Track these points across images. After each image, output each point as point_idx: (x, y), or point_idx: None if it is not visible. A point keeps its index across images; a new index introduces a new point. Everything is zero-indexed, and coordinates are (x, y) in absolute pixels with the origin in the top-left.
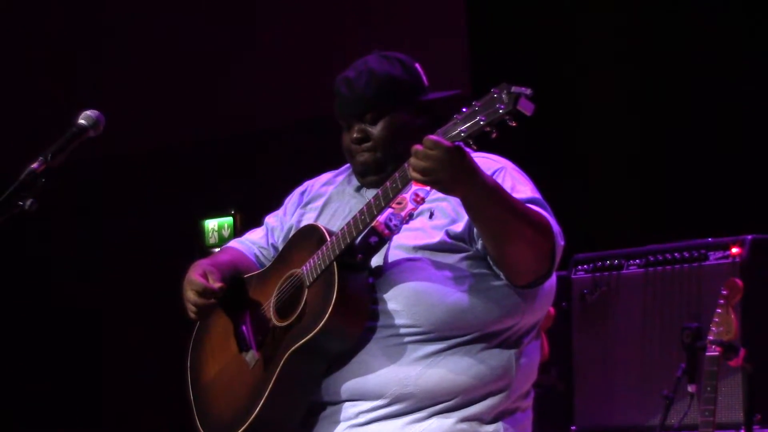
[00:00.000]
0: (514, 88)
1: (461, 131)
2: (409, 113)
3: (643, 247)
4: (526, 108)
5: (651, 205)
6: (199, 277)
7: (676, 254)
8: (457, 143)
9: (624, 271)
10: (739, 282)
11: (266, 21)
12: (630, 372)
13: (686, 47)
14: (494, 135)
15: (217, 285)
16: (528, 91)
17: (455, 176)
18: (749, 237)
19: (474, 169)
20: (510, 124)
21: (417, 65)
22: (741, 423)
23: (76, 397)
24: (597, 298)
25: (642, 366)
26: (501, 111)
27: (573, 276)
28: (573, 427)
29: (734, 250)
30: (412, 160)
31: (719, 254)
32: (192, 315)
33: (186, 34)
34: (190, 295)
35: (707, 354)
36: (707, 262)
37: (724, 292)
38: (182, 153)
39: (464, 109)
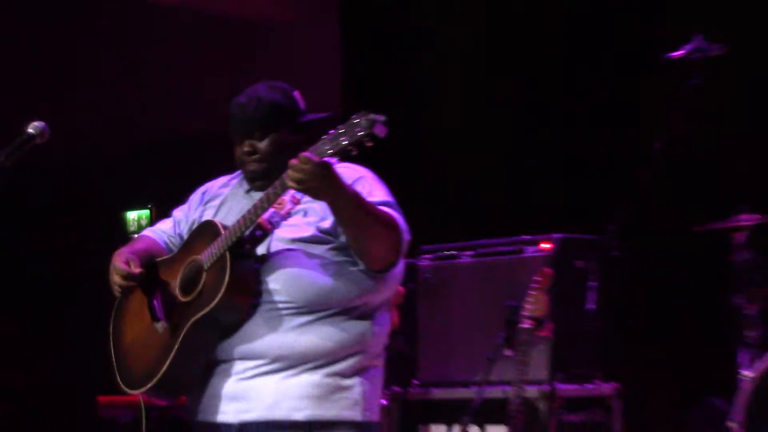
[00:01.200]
0: (371, 115)
1: (328, 149)
2: (289, 132)
3: (474, 242)
4: (381, 132)
5: (482, 206)
6: (122, 264)
7: (499, 248)
8: (324, 159)
9: (458, 261)
10: (549, 271)
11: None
12: (461, 339)
13: (509, 69)
14: (354, 152)
15: (137, 270)
16: (382, 118)
17: (322, 186)
18: (557, 235)
19: (337, 181)
20: (366, 144)
21: (296, 93)
22: (547, 379)
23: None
24: (437, 281)
25: (471, 335)
26: (359, 135)
27: (418, 263)
28: (415, 381)
29: (545, 245)
30: (289, 171)
31: (533, 249)
32: (117, 293)
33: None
34: (116, 279)
35: (522, 326)
36: (524, 255)
37: (537, 279)
38: (114, 156)
39: (331, 131)
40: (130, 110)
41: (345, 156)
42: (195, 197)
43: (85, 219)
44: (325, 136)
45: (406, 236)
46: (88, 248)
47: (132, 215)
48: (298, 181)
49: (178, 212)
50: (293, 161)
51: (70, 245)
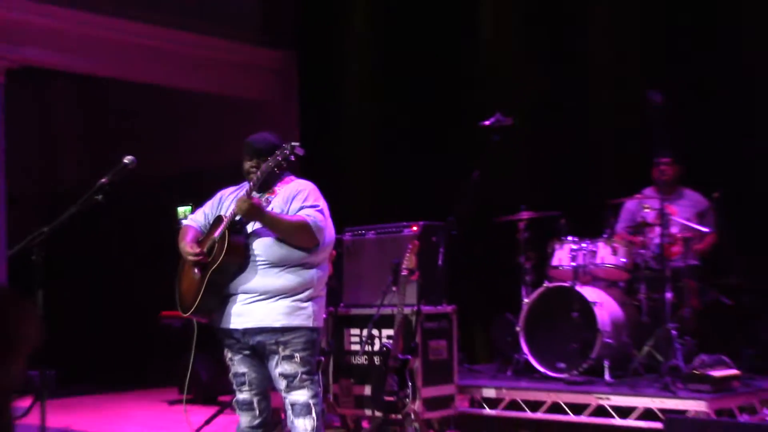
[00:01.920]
0: (293, 143)
1: (260, 174)
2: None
3: (375, 225)
4: (300, 152)
5: (380, 205)
6: (191, 248)
7: (390, 229)
8: (253, 198)
9: (366, 236)
10: (417, 242)
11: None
12: (367, 281)
13: (396, 121)
14: (284, 165)
15: (197, 250)
16: (298, 144)
17: (251, 214)
18: (421, 222)
19: (260, 210)
20: (290, 159)
21: (277, 136)
22: (416, 303)
23: None
24: (354, 248)
25: (373, 278)
26: (279, 159)
27: (343, 237)
28: (341, 304)
29: (414, 228)
30: (236, 203)
31: (408, 230)
32: (188, 261)
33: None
34: (189, 251)
35: (402, 274)
36: (403, 233)
37: (410, 246)
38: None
39: (263, 166)
40: (175, 154)
41: (281, 167)
42: (215, 198)
43: (157, 210)
44: (259, 172)
45: (322, 227)
46: (160, 227)
47: (181, 209)
48: (240, 212)
49: (206, 208)
50: (238, 200)
51: (151, 224)
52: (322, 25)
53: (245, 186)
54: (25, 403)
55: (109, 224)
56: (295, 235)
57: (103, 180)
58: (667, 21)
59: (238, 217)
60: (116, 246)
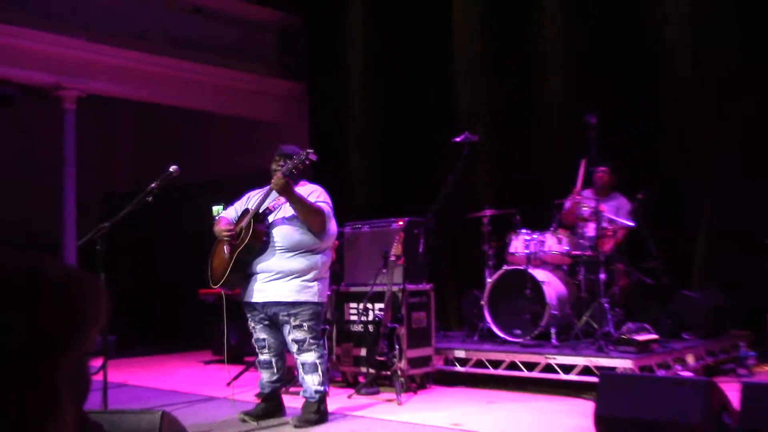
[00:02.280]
0: (307, 150)
1: (285, 170)
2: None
3: (369, 220)
4: (313, 157)
5: (373, 204)
6: (226, 226)
7: (381, 223)
8: (286, 177)
9: (362, 229)
10: (402, 234)
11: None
12: (363, 265)
13: (389, 134)
14: (302, 167)
15: (234, 230)
16: (312, 151)
17: (283, 190)
18: (407, 218)
19: (291, 188)
20: (306, 163)
21: (297, 146)
22: (402, 283)
23: None
24: (352, 239)
25: (368, 263)
26: (296, 161)
27: (344, 230)
28: (342, 283)
29: (401, 223)
30: (272, 181)
31: (396, 224)
32: (223, 239)
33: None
34: (225, 234)
35: (390, 259)
36: (392, 227)
37: (397, 237)
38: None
39: (288, 162)
40: (209, 164)
41: (299, 168)
42: (244, 198)
43: (196, 209)
44: (284, 165)
45: (330, 217)
46: (198, 222)
47: (215, 207)
48: (276, 186)
49: (237, 205)
50: (274, 177)
51: (192, 220)
52: (327, 61)
53: (267, 187)
54: (96, 363)
55: (159, 220)
56: (312, 216)
57: (152, 185)
58: (602, 53)
59: (262, 209)
60: (163, 237)
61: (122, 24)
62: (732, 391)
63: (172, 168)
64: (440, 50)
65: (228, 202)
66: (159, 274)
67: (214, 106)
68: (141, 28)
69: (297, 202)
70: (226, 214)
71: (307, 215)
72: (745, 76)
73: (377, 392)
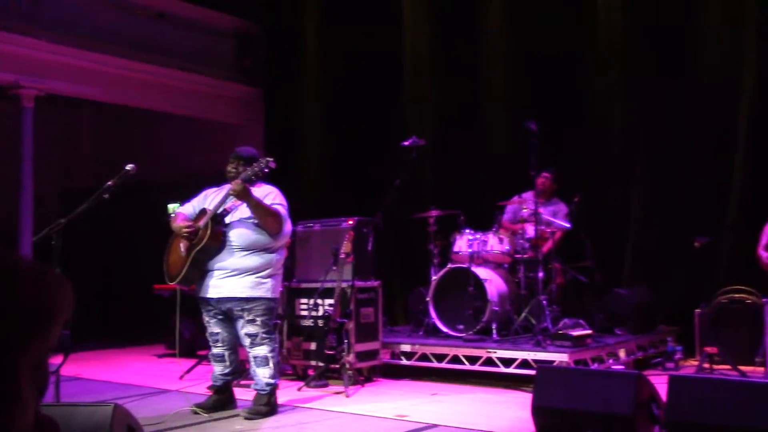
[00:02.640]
0: (267, 158)
1: (246, 176)
2: (250, 164)
3: (320, 219)
4: (272, 165)
5: (325, 203)
6: (184, 222)
7: (332, 221)
8: (244, 183)
9: (314, 228)
10: (352, 233)
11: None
12: (314, 262)
13: (341, 135)
14: (262, 174)
15: (192, 227)
16: (272, 159)
17: (243, 194)
18: (356, 218)
19: (250, 194)
20: (265, 170)
21: (256, 150)
22: (351, 279)
23: None
24: (304, 237)
25: (319, 260)
26: (256, 169)
27: (297, 228)
28: (294, 279)
29: (351, 222)
30: (230, 186)
31: (346, 223)
32: (181, 235)
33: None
34: (184, 231)
35: (341, 257)
36: (342, 226)
37: (347, 236)
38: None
39: (248, 168)
40: (167, 163)
41: (258, 176)
42: (201, 195)
43: (153, 206)
44: (248, 169)
45: (285, 219)
46: (154, 219)
47: (170, 205)
48: (234, 191)
49: (195, 202)
50: (233, 183)
51: (148, 217)
52: (284, 66)
53: (225, 186)
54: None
55: (118, 217)
56: (269, 219)
57: (109, 183)
58: (544, 59)
59: (220, 210)
60: (122, 233)
61: (84, 26)
62: (660, 383)
63: (129, 166)
64: (391, 57)
65: (185, 201)
66: (116, 269)
67: (173, 108)
68: (102, 30)
69: (255, 206)
70: (184, 210)
71: (264, 218)
72: (671, 80)
73: (326, 385)
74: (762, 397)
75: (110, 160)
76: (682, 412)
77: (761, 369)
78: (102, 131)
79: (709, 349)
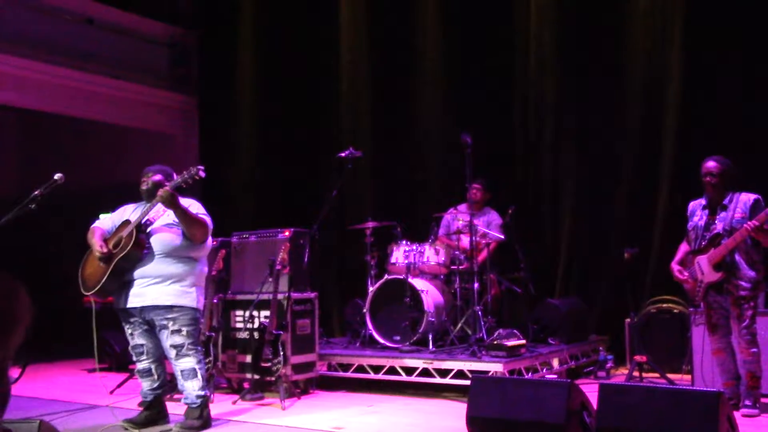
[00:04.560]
0: (198, 167)
1: (175, 184)
2: (159, 176)
3: (256, 231)
4: (202, 174)
5: (260, 215)
6: (100, 245)
7: (268, 233)
8: (172, 190)
9: (249, 239)
10: (288, 244)
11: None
12: (250, 274)
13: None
14: (190, 182)
15: (105, 249)
16: (202, 168)
17: (171, 201)
18: (292, 229)
19: (177, 201)
20: (196, 178)
21: (173, 172)
22: (287, 291)
23: None
24: (240, 248)
25: (254, 272)
26: (186, 176)
27: (232, 240)
28: (229, 292)
29: (287, 233)
30: (158, 194)
31: (282, 234)
32: (97, 253)
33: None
34: (98, 249)
35: (276, 268)
36: (278, 237)
37: (283, 247)
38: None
39: (177, 176)
40: (97, 173)
41: (188, 183)
42: (120, 210)
43: (84, 216)
44: (177, 177)
45: (210, 228)
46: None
47: (102, 216)
48: (162, 199)
49: (114, 216)
50: (161, 190)
51: (77, 227)
52: (218, 76)
53: (141, 204)
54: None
55: (47, 227)
56: (195, 227)
57: (35, 192)
58: (477, 74)
59: (144, 220)
60: (52, 243)
61: (9, 31)
62: (592, 392)
63: (57, 176)
64: (327, 67)
65: (121, 206)
66: (46, 281)
67: (105, 116)
68: (29, 35)
69: (182, 214)
70: (101, 224)
71: (190, 226)
72: (599, 95)
73: (262, 398)
74: (688, 404)
75: (39, 169)
76: (612, 419)
77: (688, 377)
78: (29, 139)
79: (638, 358)
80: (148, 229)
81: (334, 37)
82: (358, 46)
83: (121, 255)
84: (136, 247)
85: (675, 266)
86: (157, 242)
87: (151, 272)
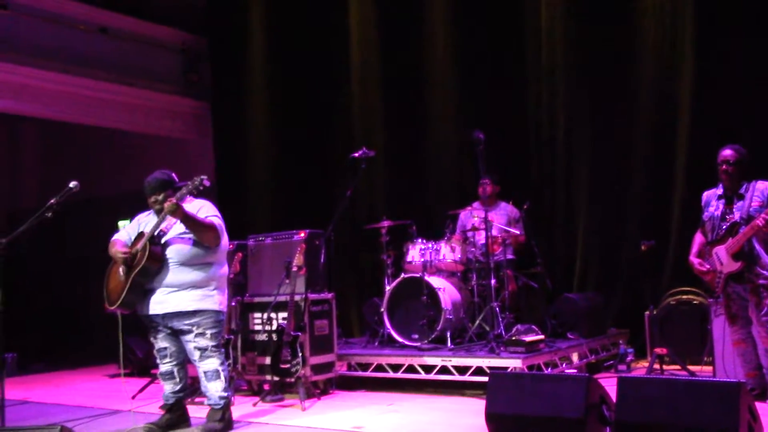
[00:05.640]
0: (202, 177)
1: (180, 194)
2: (170, 192)
3: (272, 233)
4: (207, 183)
5: (276, 218)
6: (123, 248)
7: (283, 235)
8: (178, 201)
9: (265, 242)
10: (304, 245)
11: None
12: (267, 276)
13: (293, 147)
14: (196, 192)
15: (126, 250)
16: (206, 178)
17: (177, 212)
18: (308, 231)
19: (183, 211)
20: (200, 188)
21: (173, 173)
22: (304, 292)
23: None
24: (256, 251)
25: (271, 274)
26: (191, 187)
27: (248, 243)
28: (247, 294)
29: (302, 234)
30: (165, 206)
31: (298, 236)
32: (119, 260)
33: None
34: (120, 256)
35: (293, 270)
36: (294, 239)
37: (299, 248)
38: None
39: (182, 183)
40: (115, 180)
41: (193, 194)
42: (134, 221)
43: (103, 223)
44: (183, 188)
45: (220, 230)
46: (105, 237)
47: (121, 222)
48: (169, 211)
49: (129, 227)
50: (168, 202)
51: (98, 235)
52: (230, 80)
53: (153, 212)
54: None
55: (69, 234)
56: (205, 232)
57: (51, 201)
58: (489, 73)
59: (157, 232)
60: (73, 250)
61: (26, 42)
62: (612, 386)
63: (72, 184)
64: (339, 69)
65: (135, 216)
66: (68, 287)
67: (120, 124)
68: (45, 46)
69: (189, 221)
70: (120, 237)
71: (200, 232)
72: (614, 90)
73: (282, 399)
74: (708, 395)
75: (59, 178)
76: (631, 413)
77: (709, 368)
78: (49, 149)
79: (659, 350)
80: (163, 240)
81: (344, 38)
82: (369, 46)
83: (137, 270)
84: (151, 260)
85: (694, 260)
86: (173, 252)
87: (172, 281)
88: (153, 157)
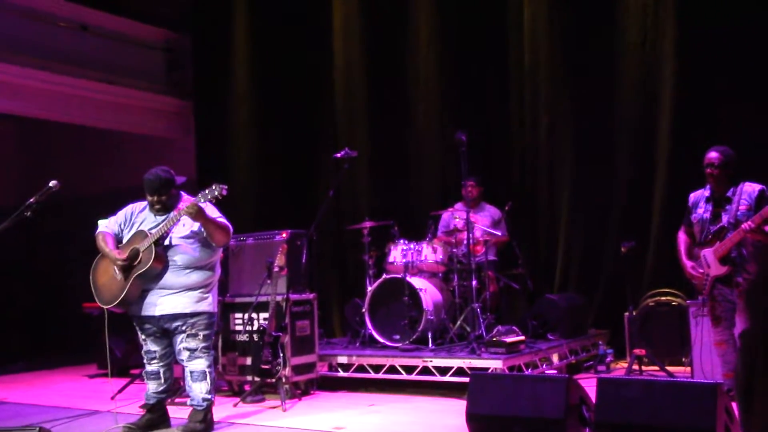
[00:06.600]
0: (221, 184)
1: (200, 198)
2: (171, 189)
3: (254, 233)
4: (225, 191)
5: (259, 218)
6: (114, 249)
7: (265, 235)
8: (199, 204)
9: (247, 242)
10: (285, 246)
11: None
12: (248, 276)
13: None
14: (214, 200)
15: (123, 257)
16: (224, 186)
17: (197, 216)
18: (290, 231)
19: (202, 212)
20: (219, 198)
21: (172, 171)
22: (286, 292)
23: None
24: (237, 250)
25: (252, 274)
26: (216, 193)
27: (230, 243)
28: (228, 294)
29: (284, 234)
30: (186, 208)
31: (280, 236)
32: (116, 265)
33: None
34: (117, 257)
35: (274, 270)
36: (275, 239)
37: (281, 248)
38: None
39: (204, 190)
40: (96, 179)
41: (211, 202)
42: (127, 211)
43: (81, 222)
44: (202, 192)
45: (231, 231)
46: (82, 236)
47: (101, 221)
48: (189, 213)
49: (119, 218)
50: (188, 204)
51: (75, 234)
52: (213, 79)
53: (146, 205)
54: None
55: (47, 233)
56: (219, 232)
57: (30, 200)
58: (473, 75)
59: (161, 234)
60: (51, 250)
61: (5, 39)
62: (592, 386)
63: (52, 183)
64: (321, 69)
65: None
66: (45, 287)
67: (102, 122)
68: (25, 43)
69: (210, 223)
70: (109, 228)
71: (215, 233)
72: (595, 91)
73: (262, 400)
74: (685, 396)
75: (39, 177)
76: (611, 413)
77: (688, 369)
78: (29, 147)
79: (638, 351)
80: (165, 242)
81: (328, 38)
82: (352, 47)
83: (141, 271)
84: (157, 262)
85: (687, 262)
86: (177, 255)
87: (172, 284)
88: (135, 155)
